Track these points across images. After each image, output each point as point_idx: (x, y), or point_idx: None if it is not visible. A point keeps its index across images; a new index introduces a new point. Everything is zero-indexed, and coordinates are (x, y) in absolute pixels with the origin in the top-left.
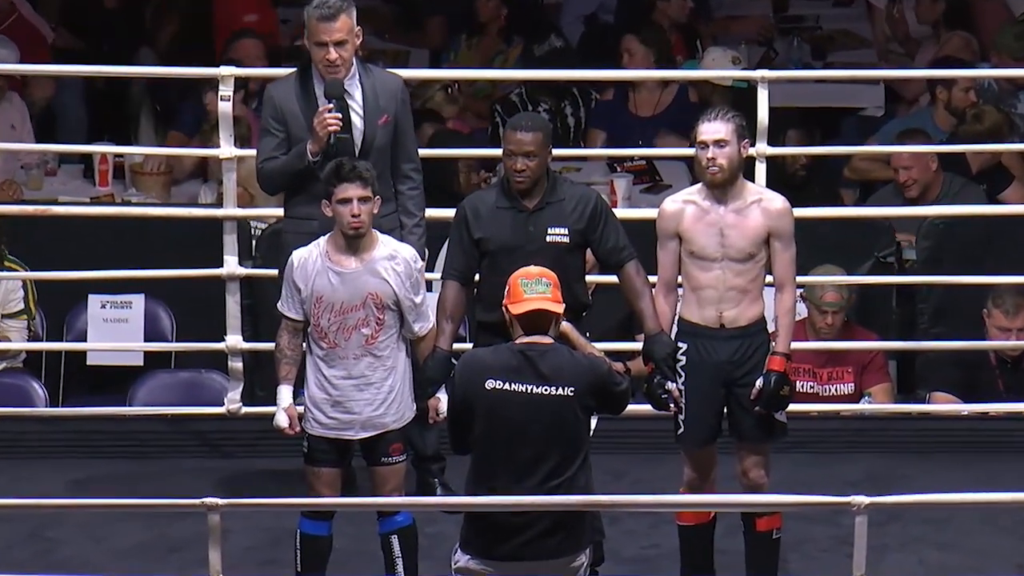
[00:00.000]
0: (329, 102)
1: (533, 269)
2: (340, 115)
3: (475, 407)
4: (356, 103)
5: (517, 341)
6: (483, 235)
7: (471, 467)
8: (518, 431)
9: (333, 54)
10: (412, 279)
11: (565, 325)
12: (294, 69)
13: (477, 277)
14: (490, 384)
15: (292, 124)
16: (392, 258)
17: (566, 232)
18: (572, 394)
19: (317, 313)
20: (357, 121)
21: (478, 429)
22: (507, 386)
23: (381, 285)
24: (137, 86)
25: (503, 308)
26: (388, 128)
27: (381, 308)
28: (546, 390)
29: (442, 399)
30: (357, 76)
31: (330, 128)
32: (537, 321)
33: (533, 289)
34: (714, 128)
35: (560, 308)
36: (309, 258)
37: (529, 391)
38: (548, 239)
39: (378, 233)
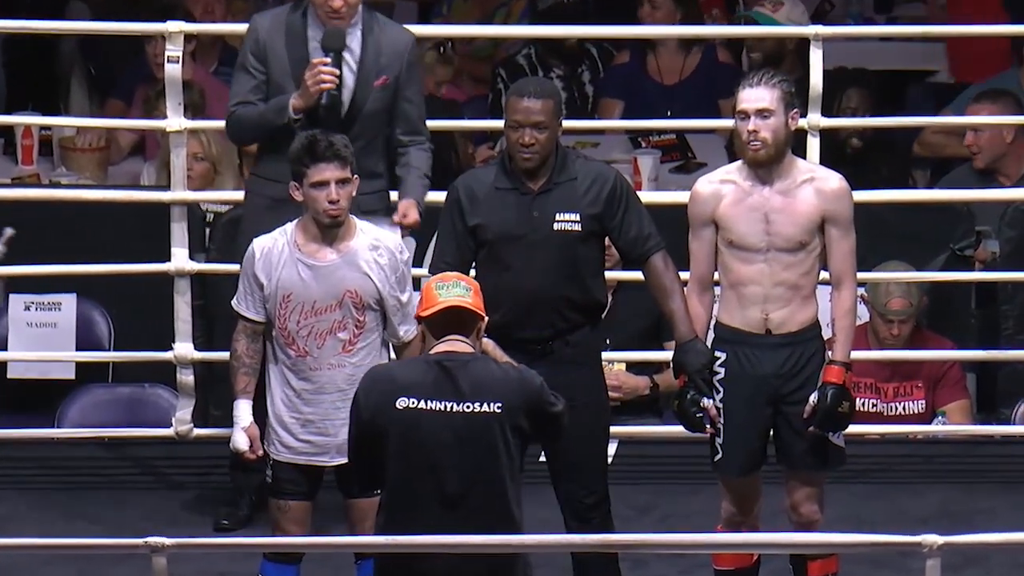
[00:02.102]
0: (326, 54)
1: (451, 274)
2: (337, 72)
3: (385, 432)
4: (352, 56)
5: (432, 351)
6: (479, 221)
7: (383, 505)
8: (437, 458)
9: (338, 0)
10: (398, 273)
11: (487, 342)
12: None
13: (472, 272)
14: (401, 403)
15: (274, 67)
16: (375, 248)
17: (577, 218)
18: (499, 411)
19: (283, 314)
20: (348, 78)
21: (390, 458)
22: (422, 404)
23: (362, 281)
24: (67, 45)
25: (416, 320)
26: (386, 92)
27: (361, 308)
28: (468, 407)
29: None
30: (360, 25)
31: (323, 86)
32: (452, 321)
33: (449, 292)
34: (756, 95)
35: (480, 311)
36: (274, 247)
37: (448, 409)
38: (556, 226)
39: (356, 218)
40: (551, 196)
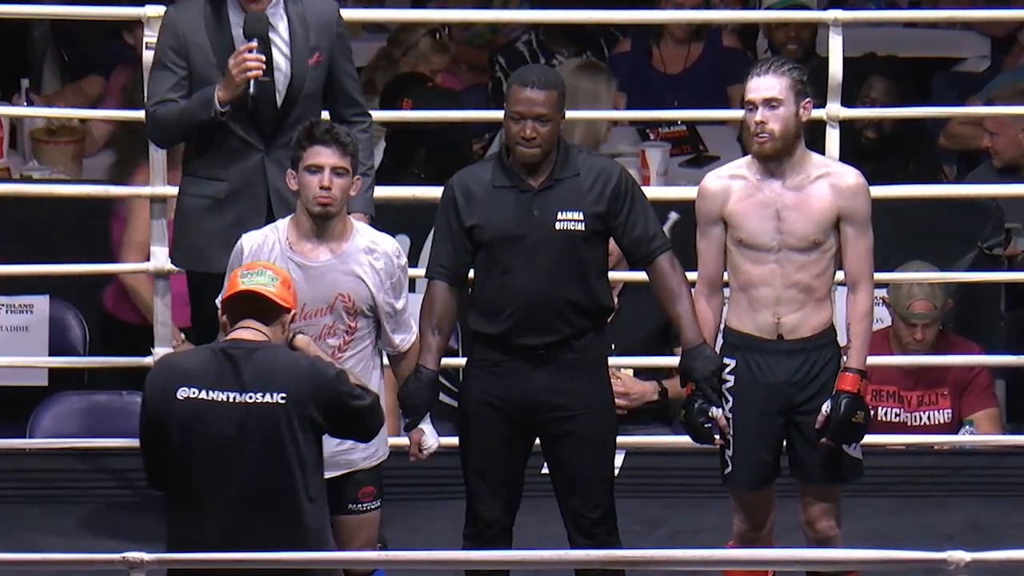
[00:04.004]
0: (249, 40)
1: (260, 263)
2: (263, 57)
3: (168, 424)
4: (280, 38)
5: (224, 339)
6: (476, 222)
7: (168, 507)
8: (220, 451)
9: None
10: (394, 279)
11: (302, 339)
12: None
13: (471, 275)
14: (183, 393)
15: (197, 60)
16: (370, 251)
17: (581, 217)
18: (283, 401)
19: None
20: (281, 61)
21: (173, 451)
22: (203, 395)
23: (355, 285)
24: (39, 29)
25: (217, 306)
26: (320, 70)
27: (353, 314)
28: (250, 397)
29: (427, 432)
30: (281, 3)
31: (249, 75)
32: (249, 308)
33: (252, 279)
34: (765, 84)
35: (287, 303)
36: (264, 244)
37: (231, 400)
38: (558, 225)
39: (353, 220)
40: (552, 193)
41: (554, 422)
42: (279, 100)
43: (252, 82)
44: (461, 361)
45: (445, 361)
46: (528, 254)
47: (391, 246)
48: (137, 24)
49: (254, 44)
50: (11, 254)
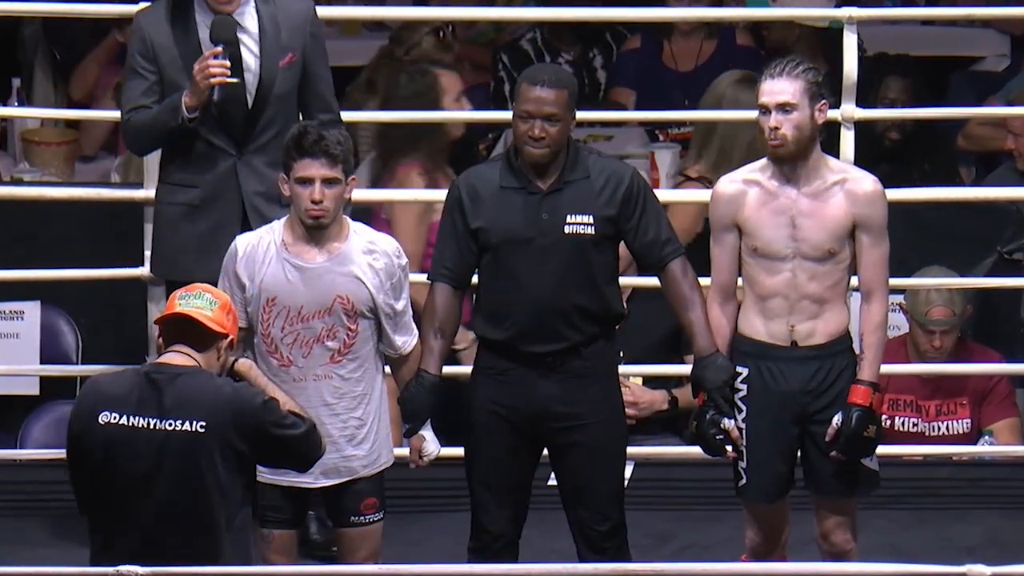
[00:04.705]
0: (216, 45)
1: (201, 285)
2: (228, 63)
3: (89, 448)
4: (250, 37)
5: (152, 363)
6: (482, 224)
7: (89, 536)
8: (136, 481)
9: None
10: (394, 279)
11: (243, 363)
12: None
13: (475, 280)
14: (104, 417)
15: (166, 64)
16: (370, 252)
17: (591, 220)
18: (203, 430)
19: (267, 319)
20: (251, 61)
21: (93, 478)
22: (123, 420)
23: (353, 286)
24: (30, 28)
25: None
26: (293, 70)
27: (353, 316)
28: (170, 424)
29: (428, 438)
30: (252, 2)
31: (213, 81)
32: (181, 332)
33: (189, 302)
34: (778, 87)
35: (223, 329)
36: (259, 245)
37: (151, 427)
38: (567, 229)
39: (349, 219)
40: (562, 196)
41: (562, 432)
42: (249, 101)
43: (217, 88)
44: (466, 371)
45: (448, 370)
46: (536, 258)
47: (391, 246)
48: (129, 22)
49: (219, 50)
50: (1, 259)
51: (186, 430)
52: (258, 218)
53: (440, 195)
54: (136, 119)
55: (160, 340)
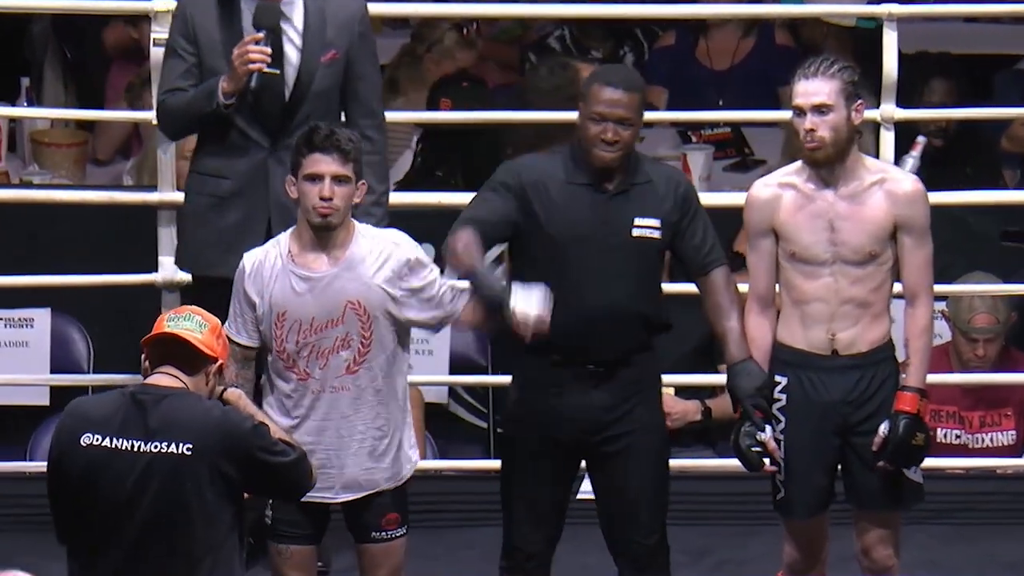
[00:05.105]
0: (258, 31)
1: (189, 308)
2: (269, 50)
3: (69, 472)
4: (294, 30)
5: (137, 384)
6: (544, 216)
7: (67, 560)
8: (117, 507)
9: None
10: (407, 263)
11: (233, 393)
12: None
13: (495, 257)
14: (86, 439)
15: (206, 49)
16: (375, 251)
17: (658, 224)
18: (189, 453)
19: (280, 335)
20: (292, 55)
21: (72, 503)
22: (106, 442)
23: (364, 290)
24: (39, 25)
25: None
26: (335, 68)
27: (367, 321)
28: (155, 447)
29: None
30: None
31: (251, 67)
32: (169, 353)
33: (178, 324)
34: (813, 87)
35: (213, 353)
36: (265, 260)
37: (135, 449)
38: (635, 232)
39: (357, 223)
40: (629, 198)
41: (608, 442)
42: (287, 95)
43: (255, 75)
44: (491, 379)
45: (473, 379)
46: (601, 260)
47: (392, 237)
48: (144, 19)
49: (261, 35)
50: (10, 265)
51: (172, 452)
52: (281, 218)
53: (465, 199)
54: (171, 101)
55: (146, 363)
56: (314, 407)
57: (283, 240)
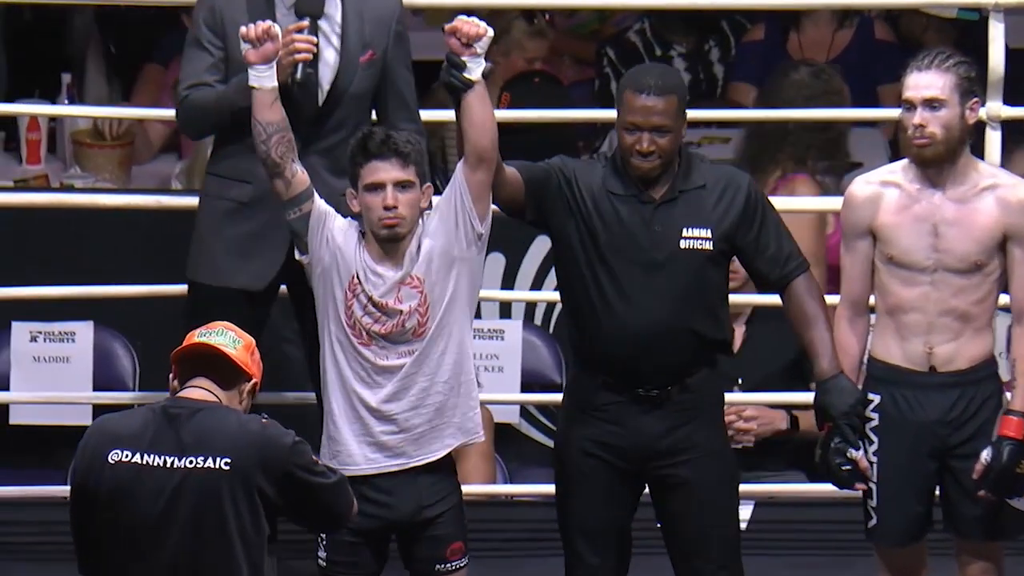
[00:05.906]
0: (301, 19)
1: (222, 323)
2: (315, 40)
3: (95, 492)
4: (331, 27)
5: (168, 398)
6: (592, 224)
7: None
8: (147, 530)
9: None
10: (433, 212)
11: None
12: None
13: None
14: (114, 456)
15: (235, 40)
16: (420, 236)
17: (708, 234)
18: (227, 468)
19: (348, 296)
20: (328, 54)
21: (98, 526)
22: (136, 458)
23: (422, 266)
24: (82, 18)
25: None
26: (372, 69)
27: (421, 288)
28: (190, 462)
29: None
30: None
31: (298, 57)
32: (202, 365)
33: (211, 337)
34: (925, 80)
35: (248, 370)
36: (350, 237)
37: (167, 465)
38: (683, 244)
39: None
40: (676, 207)
41: (666, 469)
42: (321, 97)
43: (300, 67)
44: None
45: (544, 397)
46: (648, 275)
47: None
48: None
49: (305, 23)
50: (50, 274)
51: (208, 467)
52: None
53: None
54: (196, 97)
55: (175, 381)
56: (380, 373)
57: (360, 241)
